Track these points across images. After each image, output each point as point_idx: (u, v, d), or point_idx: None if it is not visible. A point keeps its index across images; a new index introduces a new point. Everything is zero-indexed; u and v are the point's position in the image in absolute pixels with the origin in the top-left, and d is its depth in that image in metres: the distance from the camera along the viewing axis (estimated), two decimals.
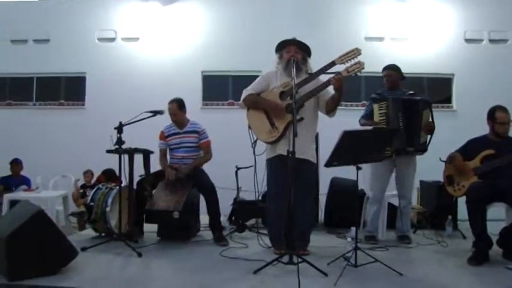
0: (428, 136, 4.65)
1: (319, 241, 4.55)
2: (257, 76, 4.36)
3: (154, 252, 4.21)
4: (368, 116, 4.76)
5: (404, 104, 4.58)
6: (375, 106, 4.67)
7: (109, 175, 6.81)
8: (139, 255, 3.93)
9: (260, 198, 4.93)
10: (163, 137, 4.93)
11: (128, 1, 9.53)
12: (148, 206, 4.53)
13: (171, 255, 4.10)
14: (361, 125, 4.75)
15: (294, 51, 4.07)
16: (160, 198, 4.55)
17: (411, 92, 4.82)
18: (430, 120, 4.64)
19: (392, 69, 4.84)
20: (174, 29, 9.39)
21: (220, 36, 9.22)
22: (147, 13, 9.45)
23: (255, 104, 4.09)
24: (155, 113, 4.54)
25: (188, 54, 9.26)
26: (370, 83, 8.61)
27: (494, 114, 4.18)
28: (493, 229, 4.14)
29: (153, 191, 4.69)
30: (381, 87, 4.96)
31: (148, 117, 4.47)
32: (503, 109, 4.18)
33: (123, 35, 9.47)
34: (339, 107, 4.06)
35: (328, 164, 3.47)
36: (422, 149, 4.62)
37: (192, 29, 9.38)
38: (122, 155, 4.33)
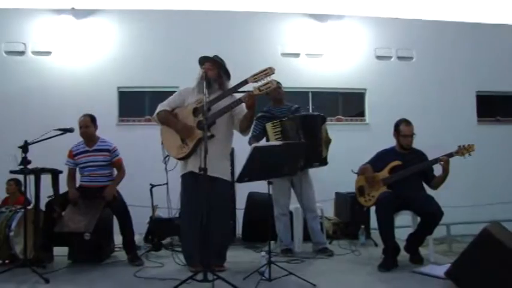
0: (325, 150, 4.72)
1: (237, 256, 4.55)
2: (174, 92, 4.34)
3: (64, 276, 3.97)
4: (259, 136, 4.71)
5: (303, 120, 4.61)
6: (268, 126, 4.60)
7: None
8: (47, 281, 3.68)
9: (177, 215, 4.85)
10: (72, 155, 4.70)
11: (39, 13, 9.11)
12: (57, 228, 4.30)
13: (82, 278, 3.90)
14: None
15: (207, 68, 4.07)
16: (71, 220, 4.33)
17: (296, 106, 4.88)
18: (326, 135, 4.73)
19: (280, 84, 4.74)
20: (88, 43, 9.10)
21: (136, 51, 9.08)
22: (60, 26, 9.09)
23: (165, 121, 4.09)
24: (65, 130, 4.33)
25: (103, 69, 9.00)
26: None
27: (398, 127, 4.41)
28: (401, 235, 4.38)
29: (63, 213, 4.45)
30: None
31: (57, 135, 4.28)
32: (407, 122, 4.40)
33: (34, 48, 9.03)
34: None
35: (240, 180, 3.50)
36: (325, 162, 4.74)
37: (107, 43, 9.15)
38: (28, 176, 4.09)
